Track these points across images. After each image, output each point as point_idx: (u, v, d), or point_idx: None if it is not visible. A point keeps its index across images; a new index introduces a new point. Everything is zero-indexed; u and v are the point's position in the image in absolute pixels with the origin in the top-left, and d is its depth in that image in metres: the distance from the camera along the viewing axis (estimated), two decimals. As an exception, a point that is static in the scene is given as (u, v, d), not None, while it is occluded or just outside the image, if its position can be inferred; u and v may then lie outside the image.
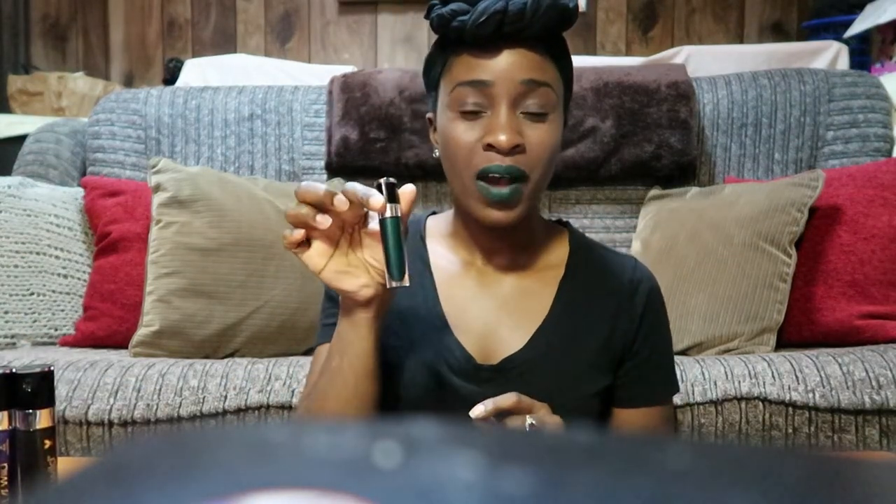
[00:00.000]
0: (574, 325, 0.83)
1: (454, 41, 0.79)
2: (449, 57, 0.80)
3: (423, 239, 0.88)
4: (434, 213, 0.94)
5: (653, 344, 0.84)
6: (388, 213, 0.68)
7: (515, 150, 0.76)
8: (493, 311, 0.84)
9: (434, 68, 0.82)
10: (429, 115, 0.86)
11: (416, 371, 0.81)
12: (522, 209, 0.78)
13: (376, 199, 0.67)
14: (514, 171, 0.76)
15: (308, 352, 1.42)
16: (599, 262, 0.87)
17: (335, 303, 0.87)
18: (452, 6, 0.77)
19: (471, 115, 0.77)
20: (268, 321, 1.41)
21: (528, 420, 0.69)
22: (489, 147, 0.76)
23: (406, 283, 0.68)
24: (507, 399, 0.69)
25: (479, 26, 0.75)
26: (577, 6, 0.79)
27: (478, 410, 0.68)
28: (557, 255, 0.87)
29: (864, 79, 1.67)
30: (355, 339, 0.73)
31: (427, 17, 0.81)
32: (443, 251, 0.87)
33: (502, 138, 0.75)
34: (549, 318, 0.83)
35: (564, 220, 0.93)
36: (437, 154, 0.84)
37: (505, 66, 0.76)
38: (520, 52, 0.76)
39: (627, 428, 0.85)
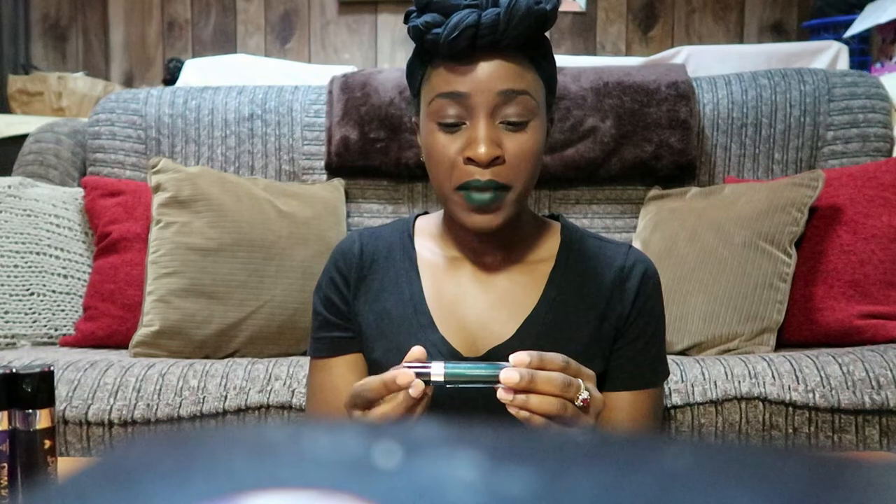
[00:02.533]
0: (564, 314, 0.83)
1: (430, 51, 0.79)
2: (427, 67, 0.80)
3: (411, 238, 0.89)
4: (426, 212, 0.94)
5: (643, 327, 0.84)
6: (438, 376, 0.65)
7: (495, 161, 0.76)
8: (481, 305, 0.84)
9: (414, 77, 0.83)
10: (413, 119, 0.86)
11: None
12: (506, 214, 0.78)
13: (403, 376, 0.65)
14: (495, 185, 0.76)
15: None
16: (591, 251, 0.86)
17: (324, 317, 0.88)
18: (427, 17, 0.77)
19: (450, 126, 0.77)
20: (268, 321, 1.41)
21: (582, 394, 0.65)
22: (469, 160, 0.76)
23: (504, 365, 0.65)
24: (554, 360, 0.65)
25: (452, 41, 0.74)
26: (554, 7, 0.78)
27: (520, 358, 0.64)
28: (548, 247, 0.87)
29: (864, 79, 1.67)
30: None
31: (405, 22, 0.80)
32: (432, 249, 0.88)
33: (481, 151, 0.75)
34: (538, 309, 0.83)
35: (557, 214, 0.93)
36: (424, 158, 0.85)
37: (482, 77, 0.76)
38: (496, 62, 0.76)
39: (614, 412, 0.84)
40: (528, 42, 0.77)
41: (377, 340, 0.85)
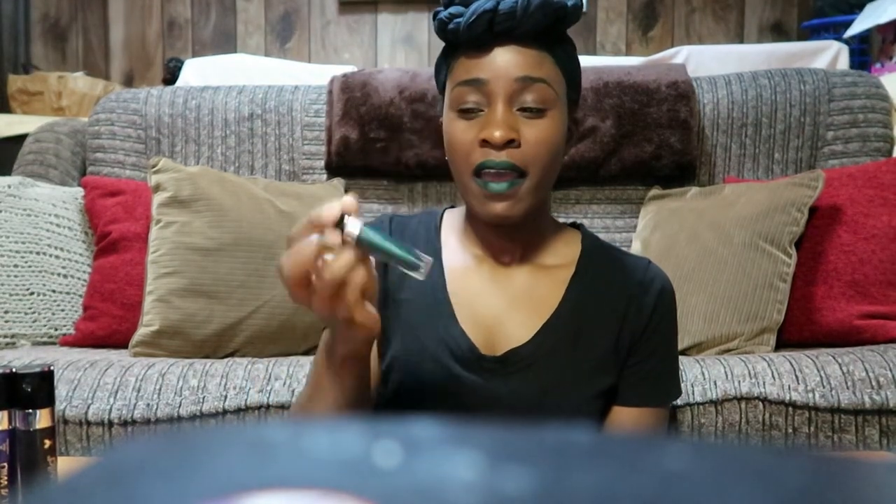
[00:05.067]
0: (582, 323, 0.83)
1: (454, 44, 0.81)
2: (451, 60, 0.82)
3: (437, 230, 0.89)
4: (452, 206, 0.94)
5: (655, 345, 0.84)
6: (353, 229, 0.58)
7: (510, 144, 0.77)
8: (500, 304, 0.84)
9: (440, 73, 0.84)
10: (441, 118, 0.86)
11: (420, 359, 0.82)
12: (524, 205, 0.78)
13: (327, 213, 0.59)
14: (509, 166, 0.77)
15: (308, 352, 1.42)
16: (611, 262, 0.86)
17: None
18: (450, 10, 0.79)
19: (469, 113, 0.79)
20: (268, 321, 1.41)
21: None
22: (484, 143, 0.77)
23: (426, 260, 0.60)
24: None
25: (470, 26, 0.76)
26: (576, 5, 0.79)
27: None
28: (568, 254, 0.87)
29: (864, 79, 1.67)
30: (342, 382, 0.69)
31: (434, 20, 0.83)
32: (455, 244, 0.88)
33: (496, 133, 0.76)
34: (556, 315, 0.83)
35: (578, 222, 0.93)
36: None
37: (500, 63, 0.77)
38: (514, 49, 0.77)
39: (617, 427, 0.84)
40: (547, 33, 0.79)
41: (395, 329, 0.85)
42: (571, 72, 0.82)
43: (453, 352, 0.81)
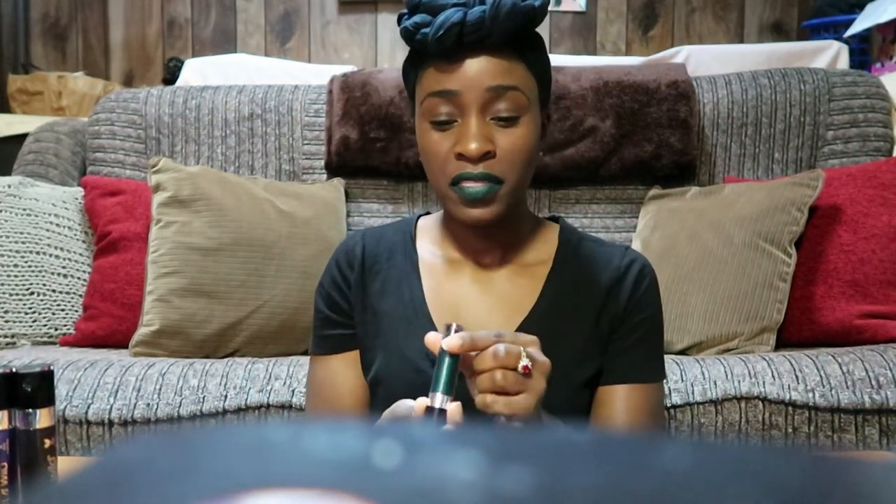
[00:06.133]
0: (562, 315, 0.83)
1: (421, 53, 0.80)
2: (419, 69, 0.81)
3: (412, 239, 0.89)
4: (428, 213, 0.94)
5: (639, 322, 0.84)
6: (441, 401, 0.65)
7: (486, 156, 0.77)
8: (481, 307, 0.84)
9: (408, 79, 0.84)
10: (411, 120, 0.87)
11: (402, 371, 0.82)
12: (500, 207, 0.79)
13: (419, 407, 0.65)
14: (487, 177, 0.77)
15: (308, 352, 1.42)
16: (589, 253, 0.87)
17: (325, 314, 0.88)
18: (415, 18, 0.78)
19: (442, 124, 0.78)
20: (268, 321, 1.41)
21: (522, 361, 0.64)
22: (460, 156, 0.77)
23: (447, 328, 0.66)
24: (486, 339, 0.64)
25: (439, 39, 0.76)
26: (543, 4, 0.78)
27: (452, 343, 0.63)
28: (546, 249, 0.87)
29: (864, 78, 1.67)
30: None
31: (399, 25, 0.81)
32: (433, 250, 0.88)
33: (472, 147, 0.76)
34: (534, 311, 0.83)
35: (557, 215, 0.93)
36: None
37: (471, 74, 0.77)
38: (484, 58, 0.77)
39: (610, 407, 0.84)
40: (517, 38, 0.78)
41: (377, 342, 0.85)
42: (543, 73, 0.82)
43: (433, 360, 0.81)
